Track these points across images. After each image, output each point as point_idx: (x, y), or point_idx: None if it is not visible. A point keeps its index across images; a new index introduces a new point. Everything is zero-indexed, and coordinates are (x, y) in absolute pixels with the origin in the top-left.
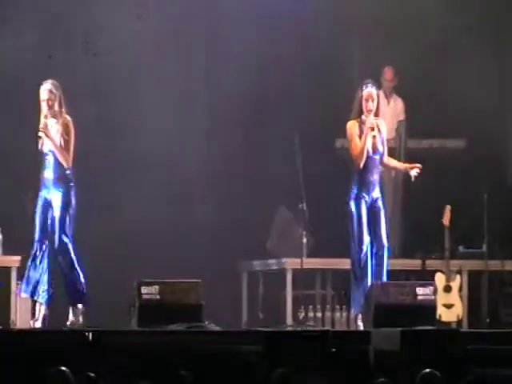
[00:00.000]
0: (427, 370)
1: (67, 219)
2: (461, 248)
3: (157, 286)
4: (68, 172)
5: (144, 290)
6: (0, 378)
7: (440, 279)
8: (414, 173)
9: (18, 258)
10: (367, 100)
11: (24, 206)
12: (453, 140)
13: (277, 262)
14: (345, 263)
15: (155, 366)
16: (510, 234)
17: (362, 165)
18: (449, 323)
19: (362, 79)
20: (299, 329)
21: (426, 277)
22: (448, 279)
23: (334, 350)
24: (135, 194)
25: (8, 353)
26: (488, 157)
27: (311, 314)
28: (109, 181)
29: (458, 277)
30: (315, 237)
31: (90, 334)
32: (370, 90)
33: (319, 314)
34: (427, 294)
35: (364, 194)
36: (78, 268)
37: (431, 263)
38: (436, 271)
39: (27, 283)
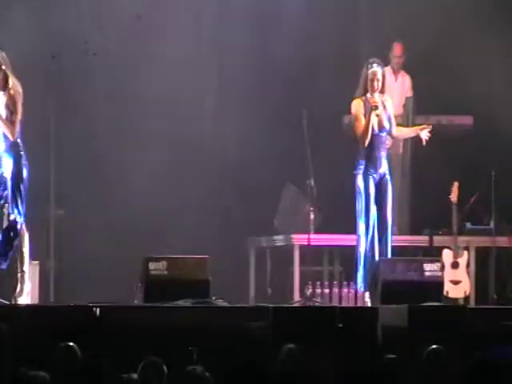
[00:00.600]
0: (434, 346)
1: (20, 192)
2: (468, 224)
3: (165, 262)
4: (18, 141)
5: (152, 265)
6: (8, 353)
7: (447, 256)
8: (424, 136)
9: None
10: (372, 80)
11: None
12: (461, 116)
13: (284, 238)
14: (352, 240)
15: (162, 341)
16: None
17: (366, 143)
18: (456, 299)
19: (369, 56)
20: (307, 305)
21: (434, 253)
22: (455, 256)
23: (341, 326)
24: (143, 170)
25: (15, 329)
26: (496, 133)
27: (319, 290)
28: (117, 157)
29: (466, 253)
30: (323, 213)
31: (98, 309)
32: (375, 69)
33: (327, 290)
34: (434, 271)
35: (371, 170)
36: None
37: (439, 239)
38: (443, 248)
39: None
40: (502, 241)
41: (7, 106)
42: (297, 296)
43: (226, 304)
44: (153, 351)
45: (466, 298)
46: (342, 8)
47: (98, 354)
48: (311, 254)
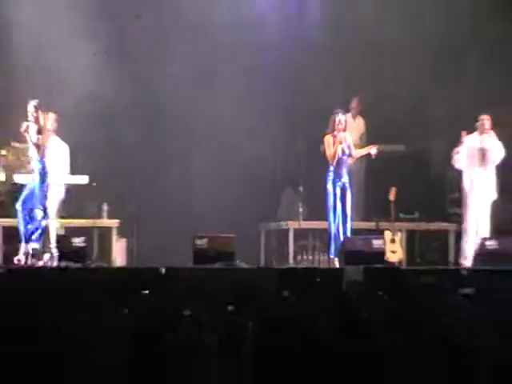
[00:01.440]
0: (380, 292)
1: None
2: (401, 215)
3: (206, 239)
4: (44, 159)
5: (197, 241)
6: (100, 304)
7: (388, 235)
8: (373, 151)
9: (117, 221)
10: (338, 124)
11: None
12: (396, 145)
13: (284, 224)
14: (326, 224)
15: (205, 291)
16: (432, 207)
17: (334, 163)
18: (393, 263)
19: (336, 107)
20: (298, 267)
21: (379, 233)
22: (393, 235)
23: (319, 280)
24: (191, 172)
25: (104, 285)
26: (418, 156)
27: (305, 257)
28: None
29: (400, 233)
30: (308, 207)
31: (163, 269)
32: (340, 117)
33: (310, 257)
34: (380, 245)
35: (337, 179)
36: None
37: (382, 224)
38: (385, 229)
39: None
40: (423, 225)
41: (36, 133)
42: (291, 261)
43: (246, 266)
44: (200, 297)
45: (400, 262)
46: (320, 76)
47: (164, 299)
48: (301, 234)
